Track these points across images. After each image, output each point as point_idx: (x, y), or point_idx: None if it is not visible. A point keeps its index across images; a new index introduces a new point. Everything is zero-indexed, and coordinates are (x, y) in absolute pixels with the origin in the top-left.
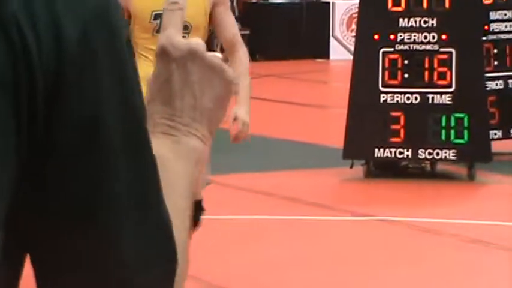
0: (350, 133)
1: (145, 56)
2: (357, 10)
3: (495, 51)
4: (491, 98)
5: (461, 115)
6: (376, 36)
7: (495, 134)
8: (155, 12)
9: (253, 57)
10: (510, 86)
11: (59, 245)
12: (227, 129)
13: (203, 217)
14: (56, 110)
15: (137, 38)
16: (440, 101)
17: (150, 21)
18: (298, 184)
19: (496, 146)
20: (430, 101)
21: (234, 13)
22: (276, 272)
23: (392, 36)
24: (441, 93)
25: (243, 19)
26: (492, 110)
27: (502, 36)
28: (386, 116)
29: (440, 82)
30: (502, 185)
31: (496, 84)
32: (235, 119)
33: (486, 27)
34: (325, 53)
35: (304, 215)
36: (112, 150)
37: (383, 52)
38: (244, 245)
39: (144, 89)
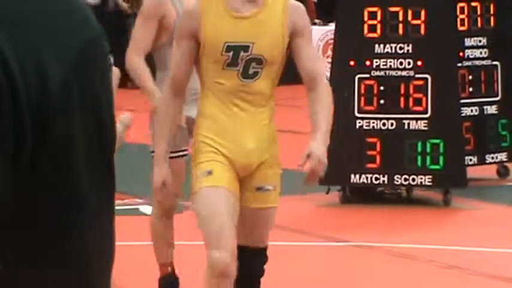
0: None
1: (212, 92)
2: (333, 36)
3: (470, 77)
4: (467, 124)
5: (437, 141)
6: (352, 63)
7: (470, 160)
8: (228, 44)
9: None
10: (485, 112)
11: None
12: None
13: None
14: (39, 137)
15: (204, 70)
16: (416, 127)
17: (221, 54)
18: None
19: (472, 172)
20: (406, 127)
21: None
22: None
23: (368, 63)
24: (417, 119)
25: None
26: (467, 136)
27: (477, 62)
28: (362, 141)
29: (416, 108)
30: (477, 211)
31: (471, 110)
32: (308, 155)
33: (461, 54)
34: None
35: (281, 240)
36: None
37: (359, 78)
38: None
39: (204, 124)
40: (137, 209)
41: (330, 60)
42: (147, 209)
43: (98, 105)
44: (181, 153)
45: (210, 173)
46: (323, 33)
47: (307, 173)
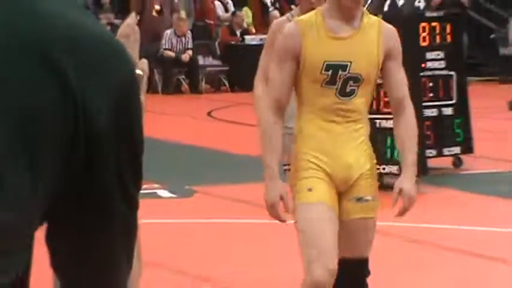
0: None
1: (310, 110)
2: None
3: (430, 84)
4: (427, 123)
5: None
6: None
7: (430, 153)
8: (327, 63)
9: (232, 88)
10: (443, 113)
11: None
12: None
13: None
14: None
15: (303, 88)
16: (387, 125)
17: (321, 72)
18: None
19: (431, 163)
20: (378, 126)
21: (215, 53)
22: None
23: None
24: (386, 119)
25: (223, 57)
26: (428, 132)
27: (436, 72)
28: None
29: (386, 110)
30: (436, 194)
31: (431, 112)
32: (400, 191)
33: (423, 65)
34: None
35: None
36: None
37: None
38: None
39: (304, 141)
40: (155, 193)
41: None
42: (163, 193)
43: (132, 121)
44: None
45: (310, 190)
46: None
47: (399, 209)
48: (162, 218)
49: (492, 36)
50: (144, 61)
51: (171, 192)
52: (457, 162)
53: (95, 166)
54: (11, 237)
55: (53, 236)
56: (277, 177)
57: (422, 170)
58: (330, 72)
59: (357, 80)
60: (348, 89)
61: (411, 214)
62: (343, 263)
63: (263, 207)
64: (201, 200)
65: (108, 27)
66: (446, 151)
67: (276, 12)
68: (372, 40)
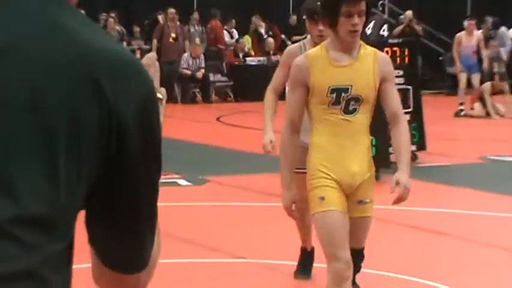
0: None
1: (320, 127)
2: None
3: None
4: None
5: (372, 137)
6: None
7: (392, 150)
8: (332, 87)
9: (236, 99)
10: None
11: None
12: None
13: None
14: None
15: (313, 108)
16: None
17: (327, 96)
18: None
19: (393, 158)
20: None
21: (223, 71)
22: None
23: None
24: None
25: (229, 74)
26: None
27: (397, 86)
28: None
29: None
30: None
31: None
32: (397, 183)
33: None
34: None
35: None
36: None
37: None
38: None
39: (316, 154)
40: (175, 182)
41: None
42: (181, 182)
43: (153, 127)
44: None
45: (323, 198)
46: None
47: (395, 198)
48: (181, 201)
49: (440, 58)
50: (163, 89)
51: (188, 181)
52: (413, 157)
53: (124, 161)
54: (65, 215)
55: (90, 218)
56: (290, 186)
57: (386, 164)
58: (334, 95)
59: (357, 100)
60: (351, 107)
61: (378, 198)
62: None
63: (263, 193)
64: (212, 188)
65: (138, 52)
66: None
67: (271, 39)
68: (368, 67)
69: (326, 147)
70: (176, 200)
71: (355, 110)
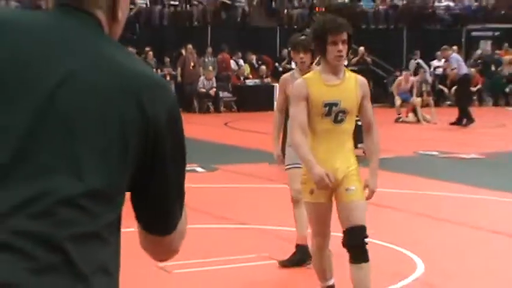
0: None
1: (316, 133)
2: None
3: None
4: None
5: None
6: None
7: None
8: (325, 102)
9: (238, 109)
10: (358, 124)
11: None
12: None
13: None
14: (154, 149)
15: (311, 118)
16: None
17: (321, 108)
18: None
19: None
20: None
21: (229, 90)
22: (262, 212)
23: None
24: None
25: (233, 92)
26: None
27: None
28: None
29: None
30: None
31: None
32: (365, 186)
33: None
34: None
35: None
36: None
37: None
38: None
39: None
40: (194, 169)
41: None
42: (198, 169)
43: (179, 129)
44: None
45: (312, 192)
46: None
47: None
48: (198, 184)
49: (385, 81)
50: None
51: (203, 168)
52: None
53: (159, 156)
54: (117, 193)
55: (133, 196)
56: (316, 164)
57: None
58: (327, 108)
59: (344, 112)
60: (339, 118)
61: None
62: (349, 230)
63: (260, 178)
64: (221, 174)
65: (168, 76)
66: (359, 145)
67: (263, 67)
68: (352, 87)
69: (318, 148)
70: (195, 183)
71: (342, 120)
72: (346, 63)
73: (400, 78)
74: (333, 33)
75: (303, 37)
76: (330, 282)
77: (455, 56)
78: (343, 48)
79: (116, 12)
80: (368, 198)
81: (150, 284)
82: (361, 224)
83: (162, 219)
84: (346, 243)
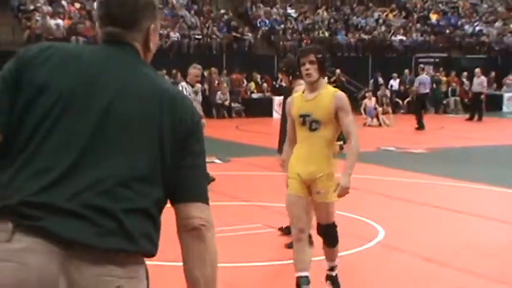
0: None
1: (298, 140)
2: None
3: None
4: None
5: None
6: None
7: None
8: (300, 114)
9: (246, 116)
10: None
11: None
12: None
13: None
14: (181, 149)
15: (296, 128)
16: None
17: (298, 118)
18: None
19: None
20: None
21: (239, 101)
22: (270, 194)
23: None
24: None
25: (242, 103)
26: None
27: None
28: None
29: None
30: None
31: None
32: (338, 184)
33: None
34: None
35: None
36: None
37: None
38: None
39: (292, 156)
40: (213, 161)
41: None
42: (216, 160)
43: (200, 129)
44: None
45: (287, 186)
46: (279, 100)
47: (336, 194)
48: (216, 172)
49: (355, 95)
50: (204, 121)
51: (219, 160)
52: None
53: (188, 148)
54: (160, 177)
55: (173, 186)
56: (285, 161)
57: None
58: (301, 119)
59: (317, 122)
60: (314, 126)
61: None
62: (321, 226)
63: (264, 168)
64: (234, 164)
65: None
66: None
67: (265, 84)
68: (326, 101)
69: (298, 152)
70: (213, 171)
71: (316, 128)
72: (326, 80)
73: (365, 100)
74: (302, 56)
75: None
76: (301, 274)
77: (419, 78)
78: (310, 67)
79: (148, 44)
80: (339, 195)
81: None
82: (327, 223)
83: (198, 185)
84: (318, 234)
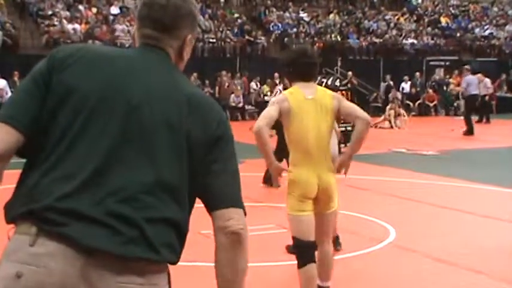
0: None
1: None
2: None
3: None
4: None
5: None
6: None
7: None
8: None
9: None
10: (347, 128)
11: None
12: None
13: None
14: (209, 152)
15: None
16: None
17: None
18: None
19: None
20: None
21: (252, 103)
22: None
23: None
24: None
25: (256, 105)
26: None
27: None
28: None
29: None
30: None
31: (342, 128)
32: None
33: None
34: None
35: None
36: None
37: None
38: None
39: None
40: None
41: None
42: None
43: (229, 132)
44: None
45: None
46: None
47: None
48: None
49: (367, 97)
50: None
51: None
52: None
53: (220, 150)
54: (184, 187)
55: (205, 193)
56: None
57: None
58: None
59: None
60: None
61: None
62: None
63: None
64: (246, 166)
65: (207, 94)
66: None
67: (281, 87)
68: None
69: None
70: None
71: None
72: (337, 83)
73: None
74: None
75: None
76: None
77: (467, 79)
78: None
79: (182, 54)
80: (337, 171)
81: (193, 246)
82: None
83: (229, 189)
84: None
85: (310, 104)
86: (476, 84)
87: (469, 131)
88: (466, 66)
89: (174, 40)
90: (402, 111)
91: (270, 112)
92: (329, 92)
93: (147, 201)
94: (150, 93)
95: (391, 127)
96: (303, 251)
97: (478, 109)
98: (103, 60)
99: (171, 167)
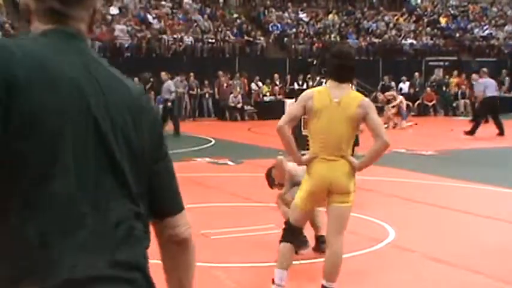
0: None
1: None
2: None
3: None
4: None
5: None
6: None
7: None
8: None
9: (258, 118)
10: None
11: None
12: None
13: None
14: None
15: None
16: None
17: None
18: None
19: None
20: None
21: (251, 104)
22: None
23: None
24: None
25: (254, 105)
26: None
27: None
28: None
29: None
30: None
31: None
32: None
33: None
34: None
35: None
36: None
37: None
38: None
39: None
40: (226, 163)
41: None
42: (229, 162)
43: (161, 134)
44: None
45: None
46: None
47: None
48: (229, 173)
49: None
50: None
51: (233, 162)
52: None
53: (162, 159)
54: (143, 203)
55: (154, 205)
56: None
57: None
58: None
59: None
60: None
61: None
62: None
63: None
64: (246, 166)
65: (207, 94)
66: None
67: (276, 87)
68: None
69: None
70: (227, 173)
71: None
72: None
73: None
74: None
75: None
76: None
77: (484, 82)
78: None
79: (92, 28)
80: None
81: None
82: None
83: (172, 197)
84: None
85: (333, 108)
86: (495, 86)
87: (472, 132)
88: (484, 69)
89: (86, 11)
90: (403, 102)
91: (293, 111)
92: (359, 99)
93: (136, 235)
94: (102, 103)
95: (394, 127)
96: (289, 230)
97: (495, 111)
98: (40, 66)
99: (139, 188)
